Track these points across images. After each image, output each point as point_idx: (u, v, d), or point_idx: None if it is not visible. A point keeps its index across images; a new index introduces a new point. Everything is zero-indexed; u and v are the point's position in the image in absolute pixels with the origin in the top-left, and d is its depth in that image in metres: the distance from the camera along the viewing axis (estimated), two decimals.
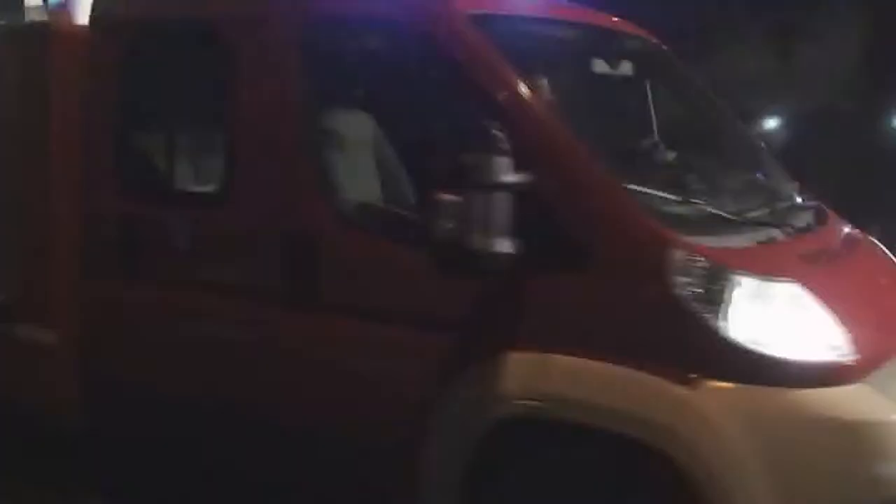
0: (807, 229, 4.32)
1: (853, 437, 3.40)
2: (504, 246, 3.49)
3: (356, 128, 4.37)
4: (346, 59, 4.26)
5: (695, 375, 3.47)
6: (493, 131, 3.48)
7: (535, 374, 3.69)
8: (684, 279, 3.51)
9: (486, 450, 3.82)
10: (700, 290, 3.51)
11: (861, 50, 11.36)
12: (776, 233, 4.08)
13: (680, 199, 3.89)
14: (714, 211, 3.93)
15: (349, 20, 4.17)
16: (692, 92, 5.18)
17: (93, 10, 4.84)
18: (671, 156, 4.58)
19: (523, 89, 3.78)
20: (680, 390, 3.47)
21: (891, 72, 10.43)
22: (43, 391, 5.12)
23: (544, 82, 4.00)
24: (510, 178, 3.47)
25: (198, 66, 4.61)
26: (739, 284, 3.53)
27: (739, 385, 3.46)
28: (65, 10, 4.94)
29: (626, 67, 4.74)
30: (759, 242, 3.94)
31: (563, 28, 4.52)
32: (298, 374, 4.22)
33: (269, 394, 4.32)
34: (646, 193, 3.80)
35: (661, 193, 3.87)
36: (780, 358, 3.45)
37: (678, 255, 3.54)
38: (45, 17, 5.15)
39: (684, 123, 5.02)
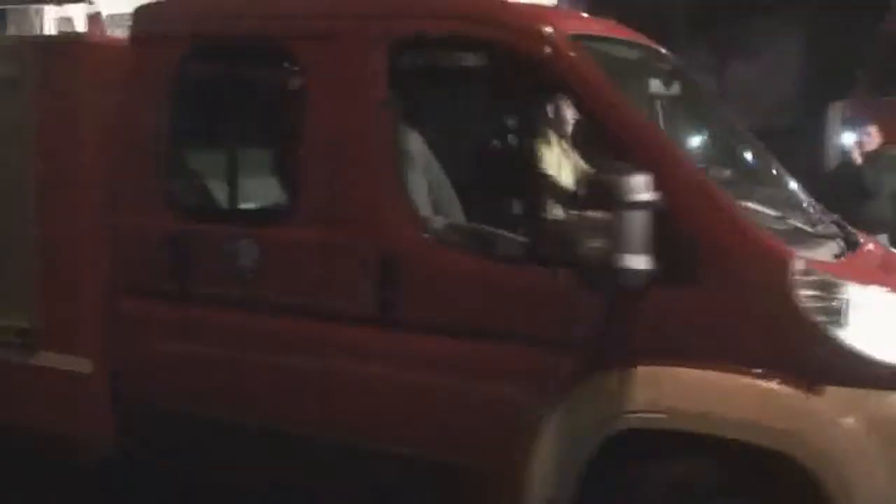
0: (857, 243, 4.55)
1: None
2: (645, 263, 3.56)
3: (441, 146, 4.33)
4: (434, 78, 4.23)
5: (818, 383, 3.62)
6: (623, 151, 3.56)
7: (654, 387, 3.75)
8: (805, 291, 3.65)
9: (594, 464, 3.86)
10: (819, 301, 3.66)
11: (797, 67, 11.90)
12: (841, 246, 4.29)
13: (774, 214, 4.05)
14: (799, 225, 4.11)
15: (438, 38, 4.13)
16: (714, 109, 5.38)
17: (136, 24, 4.65)
18: (727, 172, 4.74)
19: (636, 110, 3.86)
20: (805, 397, 3.60)
21: (828, 89, 11.00)
22: (77, 421, 4.85)
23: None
24: (649, 196, 3.54)
25: (262, 82, 4.49)
26: (852, 294, 3.70)
27: (860, 390, 3.62)
28: (98, 23, 4.73)
29: (675, 87, 4.88)
30: (835, 255, 4.14)
31: (632, 48, 4.63)
32: (386, 396, 4.15)
33: (349, 418, 4.23)
34: (750, 209, 3.94)
35: (759, 208, 4.01)
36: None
37: (798, 267, 3.67)
38: (71, 30, 4.91)
39: (715, 142, 5.20)
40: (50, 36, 5.08)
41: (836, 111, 10.85)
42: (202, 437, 4.57)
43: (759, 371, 3.64)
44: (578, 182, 3.79)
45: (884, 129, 9.35)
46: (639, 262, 3.53)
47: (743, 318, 3.69)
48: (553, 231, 3.80)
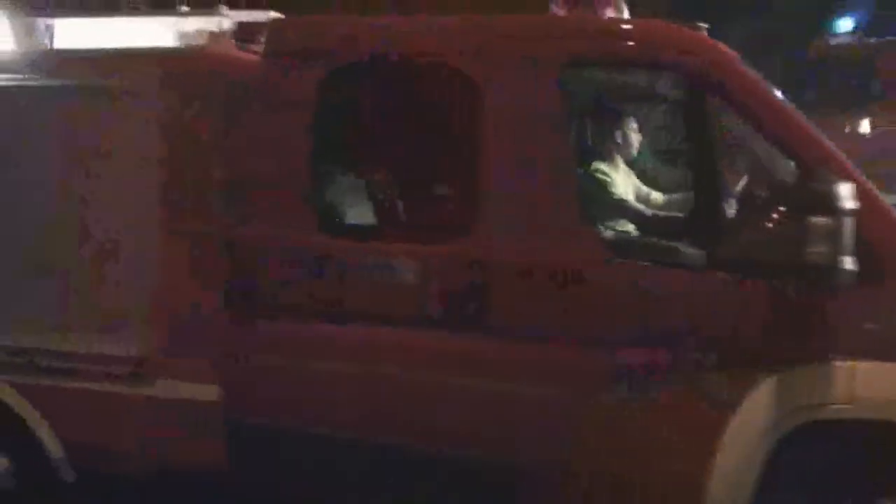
0: None
1: None
2: (852, 264, 3.88)
3: (617, 162, 4.50)
4: (609, 97, 4.38)
5: None
6: (803, 163, 3.89)
7: (841, 380, 4.08)
8: None
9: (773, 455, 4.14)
10: None
11: None
12: None
13: None
14: None
15: (612, 60, 4.31)
16: None
17: (274, 40, 4.56)
18: None
19: (809, 124, 4.19)
20: None
21: None
22: (201, 450, 4.67)
23: None
24: (854, 202, 3.88)
25: (425, 101, 4.48)
26: None
27: None
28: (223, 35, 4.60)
29: None
30: None
31: None
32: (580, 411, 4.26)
33: (530, 432, 4.29)
34: None
35: None
36: None
37: None
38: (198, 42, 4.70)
39: None
40: (175, 48, 4.83)
41: None
42: (339, 457, 4.51)
43: None
44: (774, 191, 4.06)
45: None
46: (851, 263, 3.86)
47: None
48: (750, 238, 4.04)
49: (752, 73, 4.19)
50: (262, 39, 4.54)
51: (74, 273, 4.75)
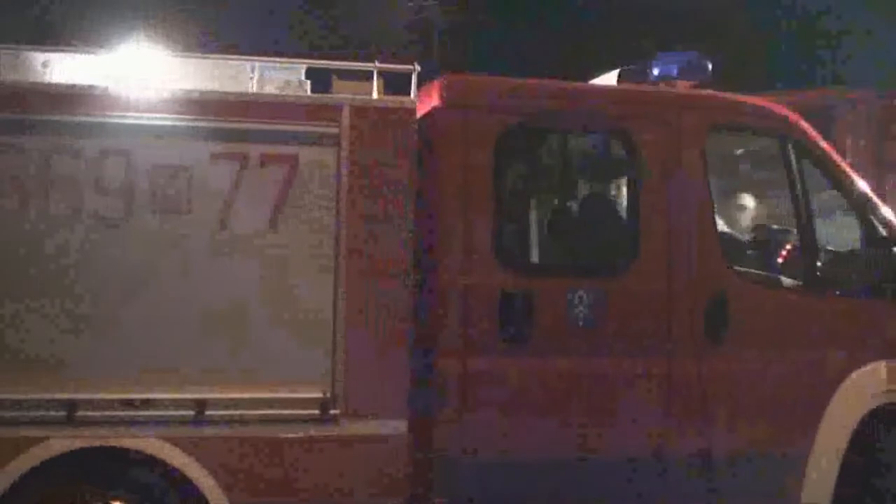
0: None
1: None
2: None
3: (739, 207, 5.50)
4: (731, 156, 5.40)
5: None
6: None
7: None
8: None
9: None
10: None
11: None
12: None
13: None
14: None
15: (736, 131, 5.43)
16: None
17: (459, 94, 5.02)
18: None
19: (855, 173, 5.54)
20: None
21: None
22: (394, 485, 4.83)
23: None
24: None
25: (595, 153, 5.16)
26: None
27: None
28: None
29: None
30: None
31: None
32: (725, 409, 5.17)
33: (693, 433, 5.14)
34: None
35: None
36: None
37: None
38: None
39: None
40: (379, 98, 4.86)
41: None
42: (537, 481, 4.98)
43: None
44: (874, 230, 5.35)
45: None
46: None
47: None
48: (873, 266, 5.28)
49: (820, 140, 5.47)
50: None
51: None
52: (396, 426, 4.84)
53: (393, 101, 4.87)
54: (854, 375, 5.31)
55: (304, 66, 5.02)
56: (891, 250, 5.24)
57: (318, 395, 4.77)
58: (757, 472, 5.19)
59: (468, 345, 4.93)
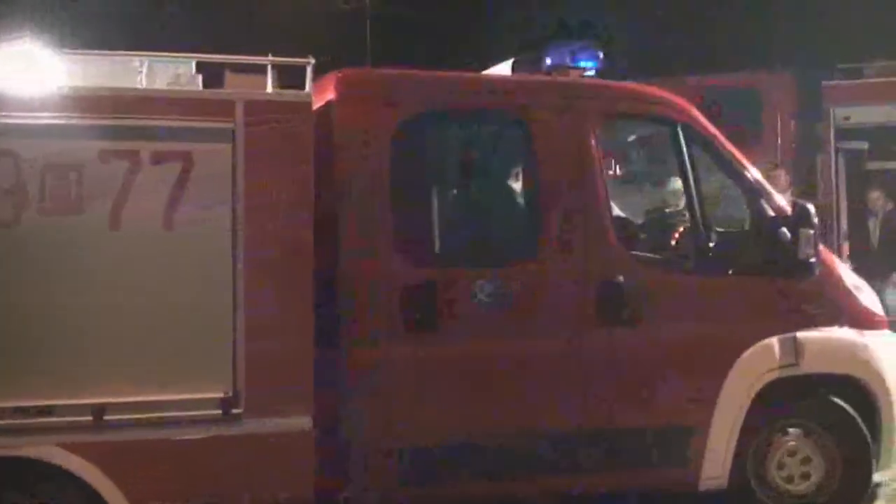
0: None
1: None
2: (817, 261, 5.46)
3: (635, 192, 5.59)
4: (626, 142, 5.50)
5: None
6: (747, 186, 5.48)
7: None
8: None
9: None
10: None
11: None
12: None
13: None
14: None
15: (630, 118, 5.57)
16: None
17: (352, 88, 5.04)
18: None
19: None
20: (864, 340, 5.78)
21: None
22: (300, 480, 4.80)
23: None
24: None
25: (496, 143, 5.23)
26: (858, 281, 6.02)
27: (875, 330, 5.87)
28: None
29: None
30: None
31: None
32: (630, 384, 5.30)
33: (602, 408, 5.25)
34: None
35: None
36: None
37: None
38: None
39: None
40: (273, 92, 4.76)
41: None
42: (454, 462, 5.04)
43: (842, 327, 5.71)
44: (762, 212, 5.50)
45: None
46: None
47: (832, 298, 5.71)
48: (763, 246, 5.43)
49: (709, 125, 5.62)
50: None
51: None
52: (301, 422, 4.81)
53: (287, 95, 4.83)
54: (748, 352, 5.47)
55: (194, 61, 4.96)
56: (778, 230, 5.40)
57: (220, 394, 4.71)
58: (660, 446, 5.34)
59: (372, 337, 4.95)
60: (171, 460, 4.66)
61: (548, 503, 5.41)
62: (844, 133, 10.30)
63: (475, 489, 5.13)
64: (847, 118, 10.22)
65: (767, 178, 9.72)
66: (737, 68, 13.13)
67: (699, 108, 5.65)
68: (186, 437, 4.67)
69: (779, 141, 11.89)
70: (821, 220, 5.62)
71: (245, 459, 4.75)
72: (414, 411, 5.00)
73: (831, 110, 10.49)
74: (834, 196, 10.50)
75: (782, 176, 10.33)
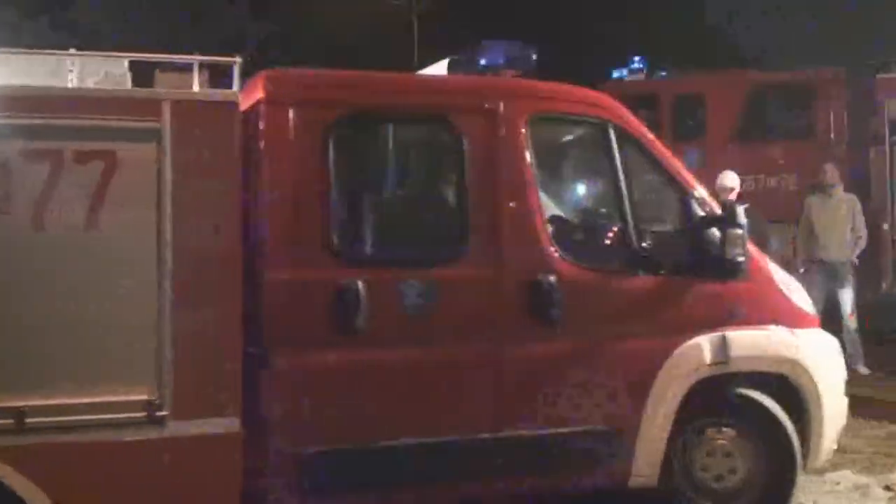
0: None
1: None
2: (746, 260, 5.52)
3: (564, 192, 5.60)
4: (553, 145, 5.53)
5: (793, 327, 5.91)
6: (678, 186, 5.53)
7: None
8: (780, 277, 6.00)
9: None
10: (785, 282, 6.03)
11: None
12: None
13: None
14: None
15: (560, 119, 5.58)
16: None
17: (279, 89, 4.99)
18: None
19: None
20: (795, 338, 5.86)
21: None
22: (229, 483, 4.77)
23: None
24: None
25: (422, 144, 5.19)
26: (786, 279, 6.13)
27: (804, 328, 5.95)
28: None
29: None
30: None
31: None
32: (552, 391, 5.30)
33: (521, 415, 5.26)
34: None
35: None
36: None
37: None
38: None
39: None
40: (203, 91, 4.70)
41: None
42: (376, 463, 5.02)
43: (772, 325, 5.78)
44: (692, 212, 5.55)
45: None
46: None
47: (762, 297, 5.79)
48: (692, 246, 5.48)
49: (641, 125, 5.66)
50: None
51: None
52: (228, 424, 4.78)
53: (214, 94, 4.79)
54: (677, 351, 5.52)
55: (127, 60, 4.91)
56: (708, 231, 5.46)
57: (145, 397, 4.67)
58: (589, 448, 5.36)
59: (301, 339, 4.91)
60: (97, 464, 4.61)
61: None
62: None
63: (400, 495, 5.12)
64: None
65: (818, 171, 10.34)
66: (789, 62, 13.43)
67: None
68: (112, 440, 4.61)
69: (831, 135, 12.04)
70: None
71: (172, 462, 4.70)
72: (339, 416, 4.96)
73: (886, 102, 10.44)
74: (889, 191, 10.58)
75: (831, 170, 10.52)
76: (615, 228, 5.60)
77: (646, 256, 5.52)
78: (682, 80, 13.56)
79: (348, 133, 5.09)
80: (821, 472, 6.61)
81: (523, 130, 5.31)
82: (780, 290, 5.91)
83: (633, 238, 5.50)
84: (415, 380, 5.10)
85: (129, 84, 4.86)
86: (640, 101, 13.07)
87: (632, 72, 14.03)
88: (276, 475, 4.89)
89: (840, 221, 10.38)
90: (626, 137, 5.56)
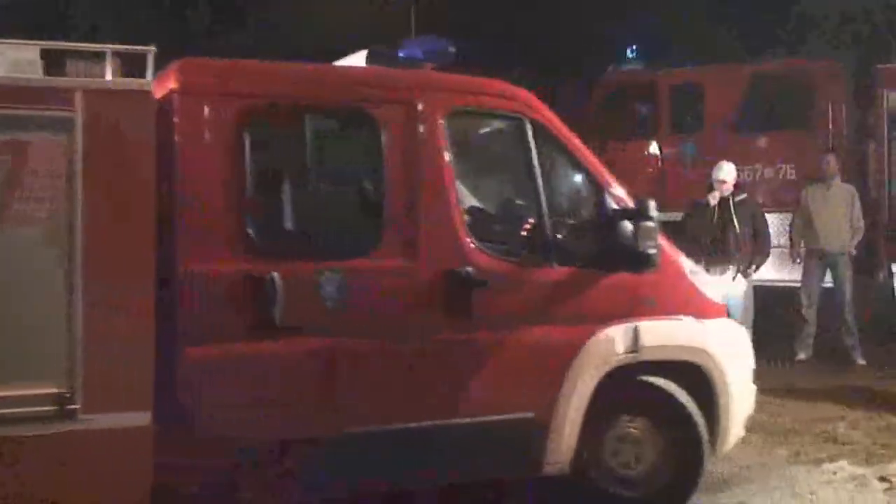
0: None
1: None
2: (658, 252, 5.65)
3: (481, 185, 5.64)
4: (470, 138, 5.58)
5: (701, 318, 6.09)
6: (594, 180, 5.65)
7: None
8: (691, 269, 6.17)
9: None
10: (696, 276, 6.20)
11: None
12: None
13: None
14: None
15: (477, 112, 5.64)
16: None
17: (191, 77, 4.99)
18: None
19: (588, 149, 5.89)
20: (703, 328, 6.04)
21: None
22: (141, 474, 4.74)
23: None
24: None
25: (339, 136, 5.20)
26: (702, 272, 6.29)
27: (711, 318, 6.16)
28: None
29: None
30: None
31: None
32: (472, 380, 5.37)
33: (442, 403, 5.33)
34: None
35: None
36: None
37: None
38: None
39: None
40: (115, 80, 4.61)
41: None
42: (294, 455, 5.03)
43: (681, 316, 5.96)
44: (606, 205, 5.66)
45: None
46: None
47: (673, 288, 5.96)
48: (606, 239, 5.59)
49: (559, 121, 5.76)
50: None
51: None
52: (140, 418, 4.74)
53: (127, 83, 4.73)
54: (590, 341, 5.63)
55: (39, 47, 4.82)
56: (621, 223, 5.57)
57: (55, 390, 4.61)
58: (503, 438, 5.45)
59: (216, 332, 4.88)
60: (6, 457, 4.54)
61: None
62: None
63: (317, 486, 5.14)
64: None
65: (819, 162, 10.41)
66: (788, 53, 13.23)
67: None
68: (18, 435, 4.54)
69: (830, 126, 12.10)
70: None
71: (83, 455, 4.65)
72: (255, 409, 4.95)
73: (885, 94, 10.35)
74: (886, 182, 10.50)
75: (831, 161, 10.60)
76: (531, 221, 5.68)
77: (561, 248, 5.62)
78: (680, 71, 13.50)
79: (264, 124, 5.08)
80: (818, 462, 6.88)
81: (441, 122, 5.36)
82: (690, 282, 6.06)
83: (549, 230, 5.60)
84: (331, 371, 5.11)
85: (40, 72, 4.78)
86: (638, 92, 13.41)
87: (628, 62, 14.03)
88: (189, 469, 4.87)
89: (839, 212, 10.52)
90: (542, 132, 5.65)
